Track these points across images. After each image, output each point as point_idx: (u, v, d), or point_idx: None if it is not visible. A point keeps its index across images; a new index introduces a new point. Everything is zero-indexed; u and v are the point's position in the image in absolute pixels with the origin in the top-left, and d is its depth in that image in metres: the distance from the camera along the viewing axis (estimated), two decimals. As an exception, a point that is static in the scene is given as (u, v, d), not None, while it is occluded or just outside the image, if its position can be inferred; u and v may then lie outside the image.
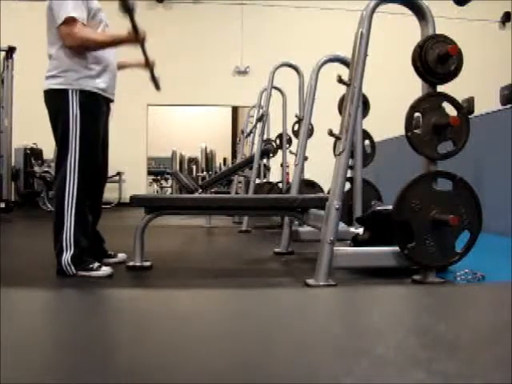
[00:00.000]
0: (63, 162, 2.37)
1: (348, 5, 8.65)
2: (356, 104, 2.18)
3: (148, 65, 2.65)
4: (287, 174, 5.43)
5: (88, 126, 2.39)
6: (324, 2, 9.39)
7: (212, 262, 3.08)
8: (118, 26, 2.45)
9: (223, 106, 12.09)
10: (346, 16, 7.74)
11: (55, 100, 2.40)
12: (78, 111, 2.36)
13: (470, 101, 4.51)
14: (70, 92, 2.37)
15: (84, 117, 2.37)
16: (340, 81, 2.22)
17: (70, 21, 2.30)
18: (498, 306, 0.87)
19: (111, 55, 2.53)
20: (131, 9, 2.32)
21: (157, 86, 2.71)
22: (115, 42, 2.43)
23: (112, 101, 2.61)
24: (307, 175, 4.16)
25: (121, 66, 2.72)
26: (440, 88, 2.24)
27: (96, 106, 2.46)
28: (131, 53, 2.73)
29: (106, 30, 2.51)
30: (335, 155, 2.21)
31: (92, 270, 2.35)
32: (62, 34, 2.33)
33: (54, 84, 2.39)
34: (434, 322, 0.74)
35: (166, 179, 12.02)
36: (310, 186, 4.28)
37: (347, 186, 2.83)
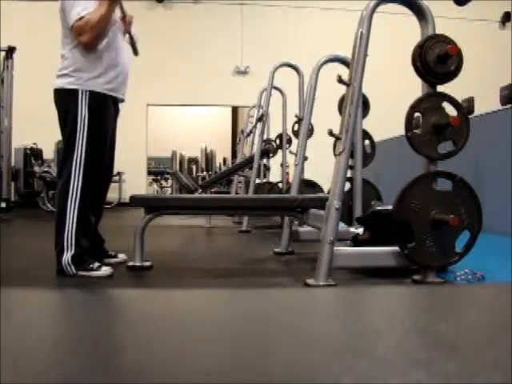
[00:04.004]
0: (68, 161, 2.38)
1: (348, 5, 8.65)
2: (356, 104, 2.18)
3: (125, 21, 2.56)
4: (287, 173, 5.42)
5: (96, 127, 2.40)
6: (324, 2, 9.39)
7: (212, 262, 3.08)
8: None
9: (223, 106, 12.10)
10: (346, 16, 7.74)
11: (65, 99, 2.41)
12: (87, 112, 2.37)
13: (470, 101, 4.51)
14: (80, 92, 2.37)
15: (92, 118, 2.38)
16: (340, 81, 2.22)
17: (81, 21, 2.30)
18: (497, 306, 0.87)
19: (123, 56, 2.53)
20: None
21: (135, 50, 2.62)
22: (108, 6, 2.32)
23: (122, 101, 2.61)
24: (307, 175, 4.16)
25: None
26: (440, 88, 2.24)
27: (105, 108, 2.46)
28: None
29: (114, 27, 2.47)
30: (335, 155, 2.21)
31: (92, 270, 2.35)
32: (75, 35, 2.33)
33: (65, 83, 2.39)
34: (434, 322, 0.74)
35: (166, 179, 12.02)
36: (310, 186, 4.28)
37: (347, 185, 2.83)
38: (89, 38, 2.32)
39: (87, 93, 2.38)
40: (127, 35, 2.60)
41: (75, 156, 2.36)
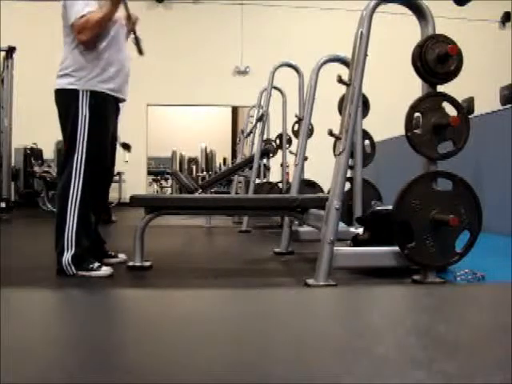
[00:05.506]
0: (69, 161, 2.38)
1: (348, 5, 8.65)
2: (356, 104, 2.18)
3: (129, 20, 2.57)
4: (287, 174, 5.42)
5: (96, 127, 2.40)
6: (324, 2, 9.39)
7: (212, 262, 3.08)
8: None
9: (223, 106, 12.10)
10: (346, 16, 7.74)
11: (65, 100, 2.41)
12: (88, 112, 2.37)
13: (470, 101, 4.51)
14: (81, 92, 2.37)
15: (93, 118, 2.38)
16: (340, 81, 2.21)
17: (82, 19, 2.31)
18: (497, 306, 0.87)
19: (124, 55, 2.53)
20: None
21: (140, 50, 2.62)
22: (110, 7, 2.34)
23: (123, 100, 2.61)
24: (307, 175, 4.16)
25: None
26: (440, 88, 2.24)
27: (106, 108, 2.46)
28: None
29: (117, 26, 2.47)
30: (335, 155, 2.21)
31: (92, 269, 2.35)
32: (75, 32, 2.34)
33: (65, 84, 2.39)
34: (434, 322, 0.74)
35: (166, 179, 12.01)
36: (310, 186, 4.28)
37: (347, 185, 2.83)
38: (89, 37, 2.33)
39: (88, 93, 2.38)
40: (132, 35, 2.60)
41: (76, 156, 2.36)
